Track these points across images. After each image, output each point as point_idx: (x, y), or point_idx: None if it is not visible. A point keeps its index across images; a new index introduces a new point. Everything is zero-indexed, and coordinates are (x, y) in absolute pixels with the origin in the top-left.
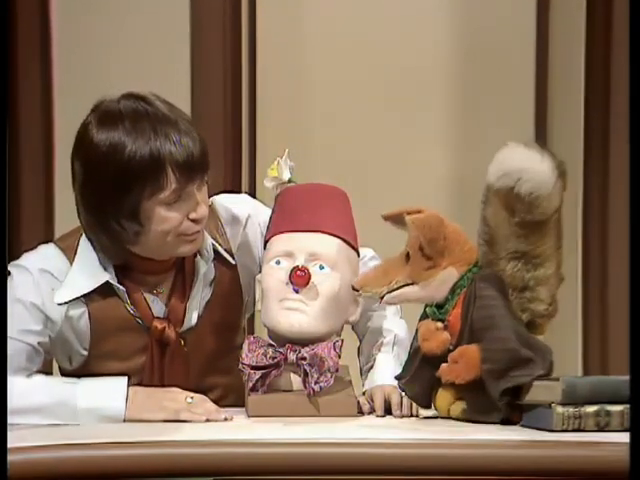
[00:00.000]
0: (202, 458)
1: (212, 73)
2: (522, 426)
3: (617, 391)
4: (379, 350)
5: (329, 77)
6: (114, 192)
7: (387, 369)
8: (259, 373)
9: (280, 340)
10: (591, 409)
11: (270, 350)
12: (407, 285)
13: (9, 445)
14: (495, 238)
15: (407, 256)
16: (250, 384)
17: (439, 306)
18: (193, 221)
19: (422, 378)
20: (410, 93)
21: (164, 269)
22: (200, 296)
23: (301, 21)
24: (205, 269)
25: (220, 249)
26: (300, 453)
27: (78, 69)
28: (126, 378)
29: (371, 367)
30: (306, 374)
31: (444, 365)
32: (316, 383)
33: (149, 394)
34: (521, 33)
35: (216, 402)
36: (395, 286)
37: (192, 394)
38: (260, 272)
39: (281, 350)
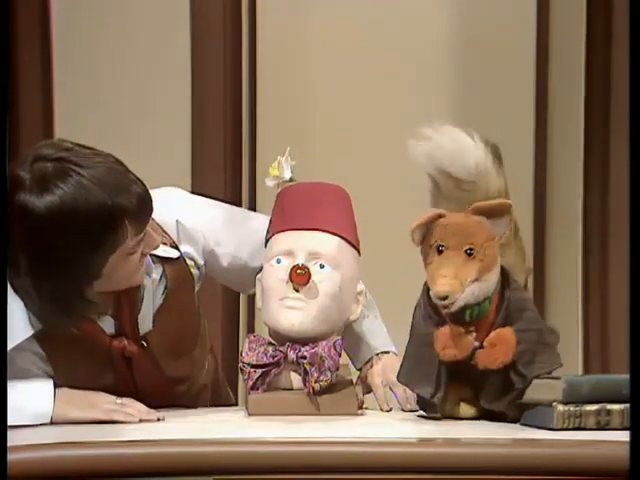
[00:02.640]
0: (202, 457)
1: (212, 72)
2: (523, 425)
3: (618, 390)
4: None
5: (329, 76)
6: (76, 256)
7: (375, 333)
8: (259, 372)
9: (280, 339)
10: (592, 408)
11: (270, 349)
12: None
13: (9, 444)
14: None
15: (466, 252)
16: (250, 383)
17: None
18: (145, 255)
19: (449, 391)
20: (410, 92)
21: (106, 295)
22: (152, 300)
23: (301, 20)
24: (149, 280)
25: (159, 252)
26: (300, 452)
27: (78, 69)
28: (52, 380)
29: (358, 339)
30: (306, 373)
31: (481, 351)
32: (316, 382)
33: (78, 393)
34: (521, 32)
35: (188, 390)
36: (467, 285)
37: (121, 398)
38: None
39: (281, 349)
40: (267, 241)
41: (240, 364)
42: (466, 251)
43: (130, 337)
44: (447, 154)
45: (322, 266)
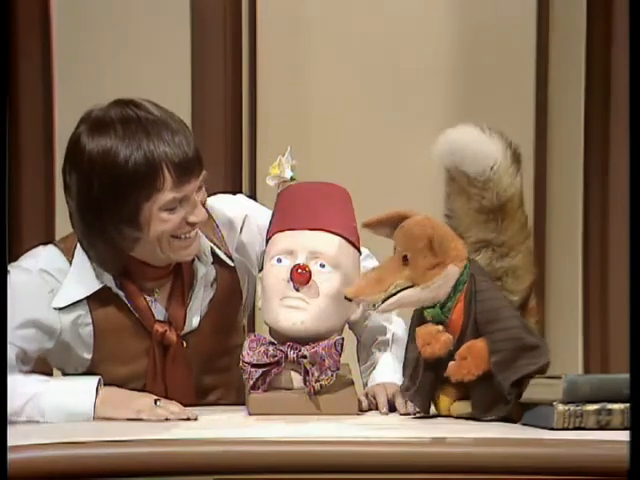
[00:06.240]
0: (203, 456)
1: (212, 72)
2: (523, 424)
3: (618, 389)
4: (378, 349)
5: (329, 76)
6: (112, 198)
7: (388, 367)
8: (260, 371)
9: (281, 338)
10: (592, 407)
11: (271, 348)
12: (406, 288)
13: (9, 443)
14: (459, 229)
15: (404, 259)
16: (251, 382)
17: (441, 306)
18: (190, 224)
19: (425, 386)
20: (410, 92)
21: (162, 274)
22: (201, 299)
23: (301, 20)
24: (203, 272)
25: (219, 252)
26: (301, 451)
27: (79, 70)
28: (98, 377)
29: (371, 366)
30: (307, 372)
31: (452, 363)
32: (317, 381)
33: (119, 393)
34: (521, 32)
35: (216, 401)
36: (393, 290)
37: (161, 399)
38: (259, 271)
39: (282, 348)
40: (267, 240)
41: (240, 364)
42: (404, 257)
43: (174, 329)
44: (465, 153)
45: (323, 265)
